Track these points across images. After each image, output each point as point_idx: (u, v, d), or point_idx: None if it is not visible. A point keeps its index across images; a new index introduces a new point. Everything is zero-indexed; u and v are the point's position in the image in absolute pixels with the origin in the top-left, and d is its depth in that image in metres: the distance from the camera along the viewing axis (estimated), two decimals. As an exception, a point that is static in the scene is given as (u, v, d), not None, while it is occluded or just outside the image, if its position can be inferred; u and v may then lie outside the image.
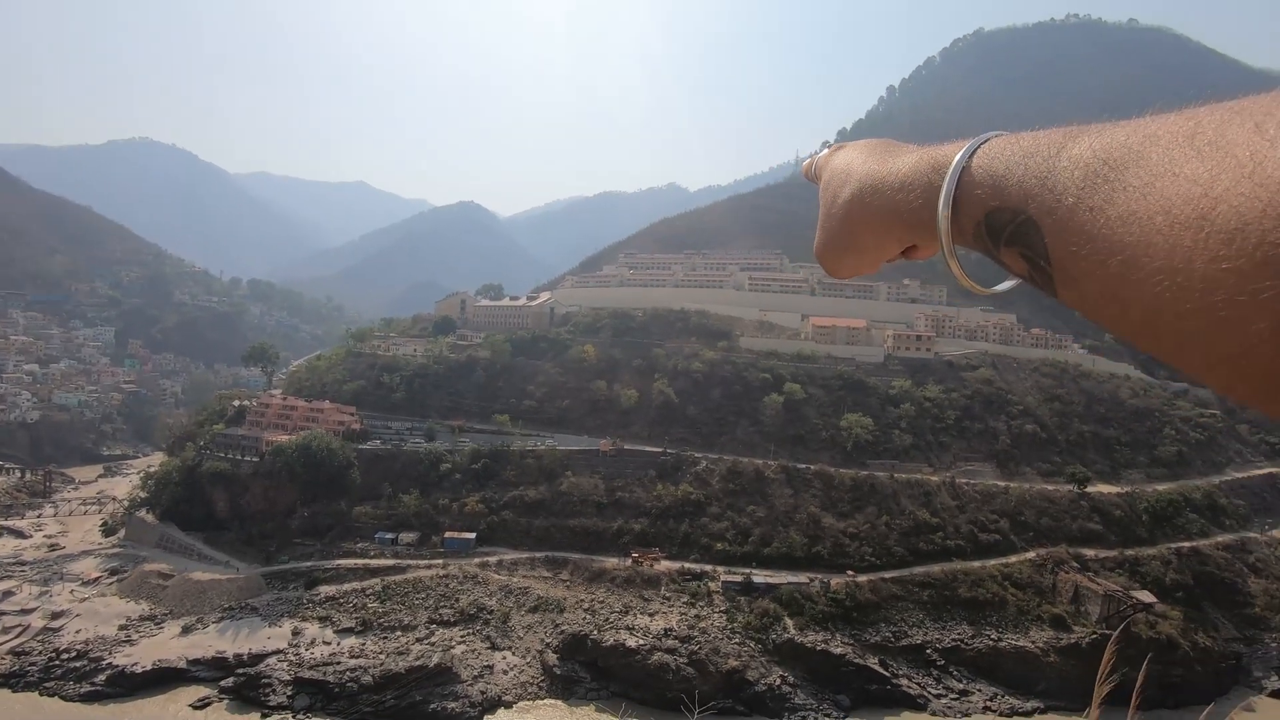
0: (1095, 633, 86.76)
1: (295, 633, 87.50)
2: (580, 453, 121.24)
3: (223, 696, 77.54)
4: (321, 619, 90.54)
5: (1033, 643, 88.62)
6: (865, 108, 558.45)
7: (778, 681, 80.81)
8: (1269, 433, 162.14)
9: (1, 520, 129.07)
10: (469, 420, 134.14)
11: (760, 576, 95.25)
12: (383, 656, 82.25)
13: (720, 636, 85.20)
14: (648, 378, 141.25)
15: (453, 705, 75.77)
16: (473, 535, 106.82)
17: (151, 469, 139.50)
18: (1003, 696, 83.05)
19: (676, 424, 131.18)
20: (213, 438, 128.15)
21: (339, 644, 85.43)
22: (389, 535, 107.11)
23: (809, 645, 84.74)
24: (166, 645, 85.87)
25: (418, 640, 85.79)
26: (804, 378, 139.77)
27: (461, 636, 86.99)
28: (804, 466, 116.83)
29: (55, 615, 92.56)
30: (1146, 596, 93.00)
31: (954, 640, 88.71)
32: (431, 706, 75.66)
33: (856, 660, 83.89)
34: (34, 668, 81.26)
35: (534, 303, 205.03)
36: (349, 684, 77.66)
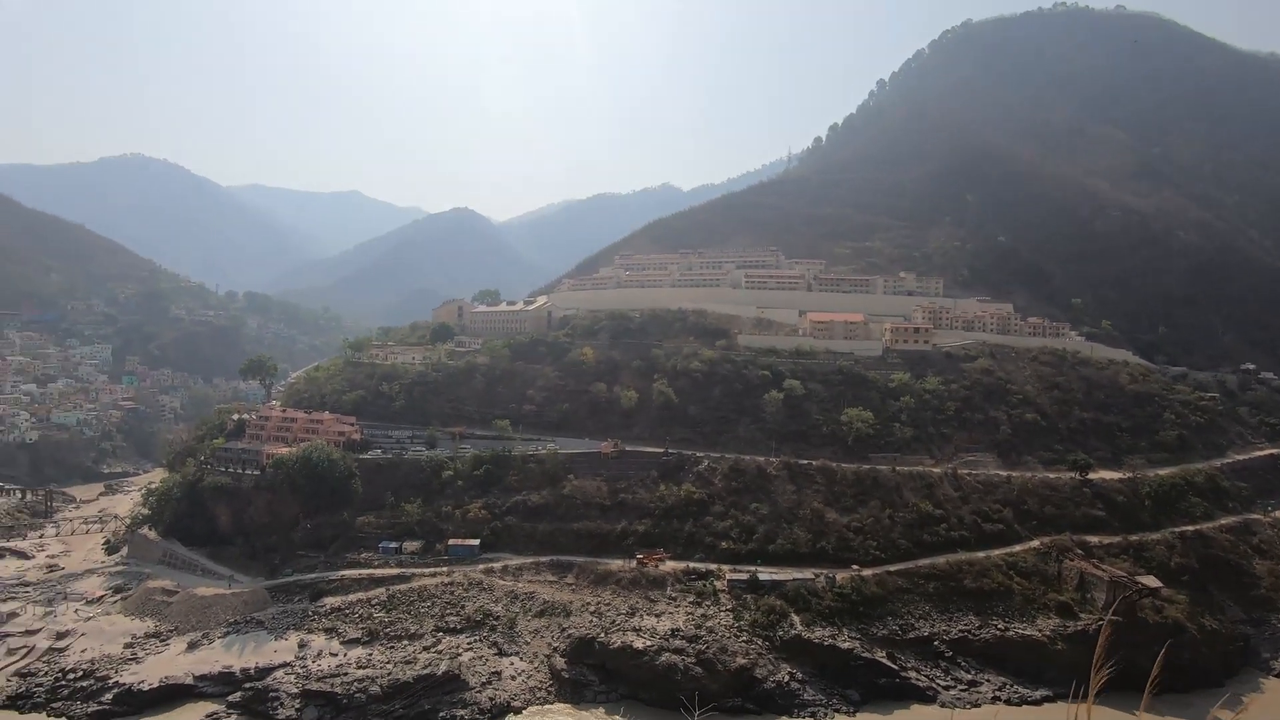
0: (1102, 619, 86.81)
1: (302, 645, 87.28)
2: (582, 455, 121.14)
3: (230, 712, 77.30)
4: (328, 630, 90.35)
5: (1040, 631, 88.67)
6: (856, 102, 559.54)
7: (786, 678, 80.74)
8: (1269, 414, 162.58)
9: (3, 541, 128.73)
10: (470, 426, 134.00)
11: (766, 573, 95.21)
12: (390, 666, 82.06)
13: (728, 635, 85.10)
14: (647, 378, 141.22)
15: (461, 713, 75.62)
16: (477, 542, 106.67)
17: (153, 485, 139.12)
18: (1011, 686, 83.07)
19: (678, 424, 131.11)
20: (213, 452, 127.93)
21: (346, 655, 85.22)
22: (393, 544, 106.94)
23: (817, 641, 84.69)
24: (173, 662, 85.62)
25: (425, 649, 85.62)
26: (804, 374, 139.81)
27: (469, 643, 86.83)
28: (806, 462, 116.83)
29: (60, 635, 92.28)
30: (1152, 581, 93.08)
31: (961, 631, 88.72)
32: (441, 715, 75.49)
33: (865, 654, 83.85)
34: (41, 689, 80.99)
35: (531, 307, 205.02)
36: (357, 695, 77.45)
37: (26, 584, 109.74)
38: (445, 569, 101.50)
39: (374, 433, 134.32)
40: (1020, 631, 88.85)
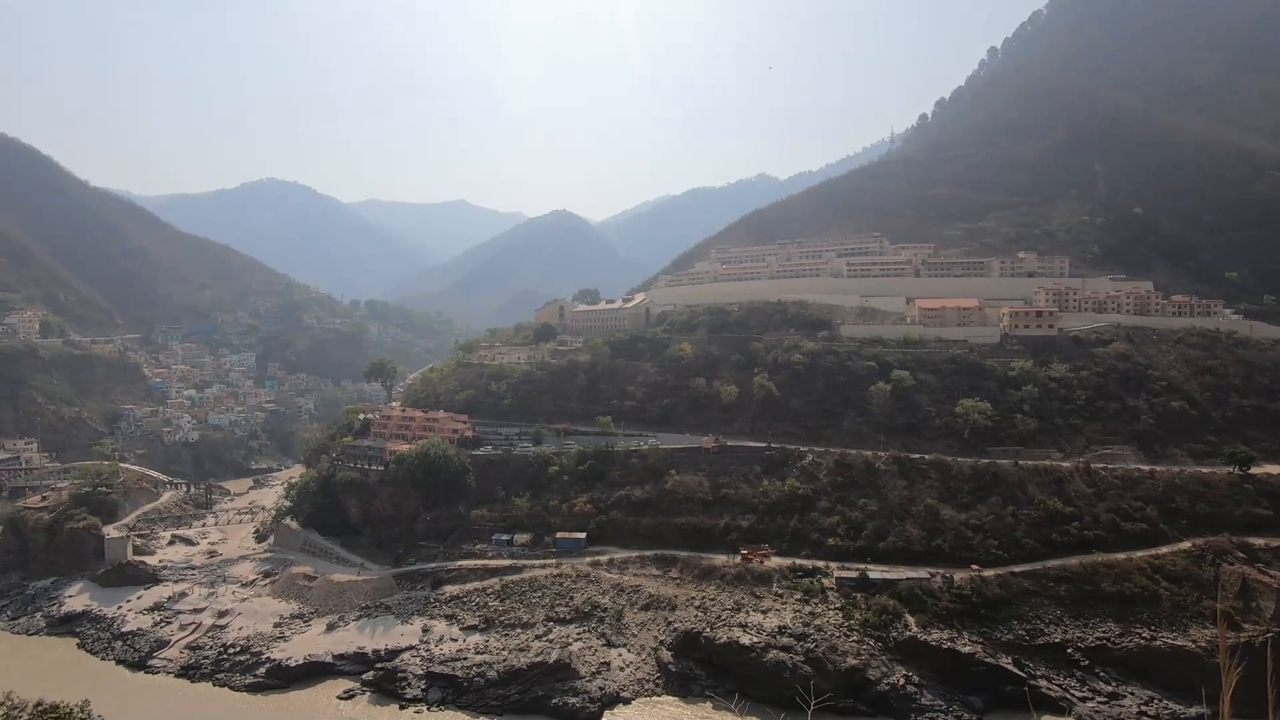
0: (1272, 631, 77.31)
1: (425, 630, 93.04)
2: (684, 451, 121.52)
3: (365, 689, 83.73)
4: (448, 617, 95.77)
5: (1193, 642, 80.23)
6: (965, 74, 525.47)
7: (901, 681, 77.54)
8: None
9: (174, 530, 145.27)
10: (574, 423, 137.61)
11: (876, 572, 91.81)
12: (505, 653, 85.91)
13: (837, 634, 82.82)
14: (747, 372, 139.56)
15: (573, 700, 77.96)
16: (583, 535, 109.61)
17: (293, 480, 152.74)
18: (1160, 701, 75.64)
19: (779, 418, 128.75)
20: (343, 449, 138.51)
21: (465, 640, 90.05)
22: (505, 536, 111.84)
23: (934, 643, 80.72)
24: (315, 641, 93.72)
25: (537, 637, 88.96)
26: (913, 364, 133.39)
27: (578, 634, 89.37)
28: (918, 456, 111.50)
29: (221, 614, 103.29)
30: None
31: (1099, 639, 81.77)
32: (553, 701, 78.19)
33: (988, 660, 79.09)
34: (207, 661, 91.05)
35: (629, 304, 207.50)
36: (476, 678, 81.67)
37: (193, 567, 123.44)
38: (554, 561, 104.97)
39: (484, 430, 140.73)
40: (1169, 641, 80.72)
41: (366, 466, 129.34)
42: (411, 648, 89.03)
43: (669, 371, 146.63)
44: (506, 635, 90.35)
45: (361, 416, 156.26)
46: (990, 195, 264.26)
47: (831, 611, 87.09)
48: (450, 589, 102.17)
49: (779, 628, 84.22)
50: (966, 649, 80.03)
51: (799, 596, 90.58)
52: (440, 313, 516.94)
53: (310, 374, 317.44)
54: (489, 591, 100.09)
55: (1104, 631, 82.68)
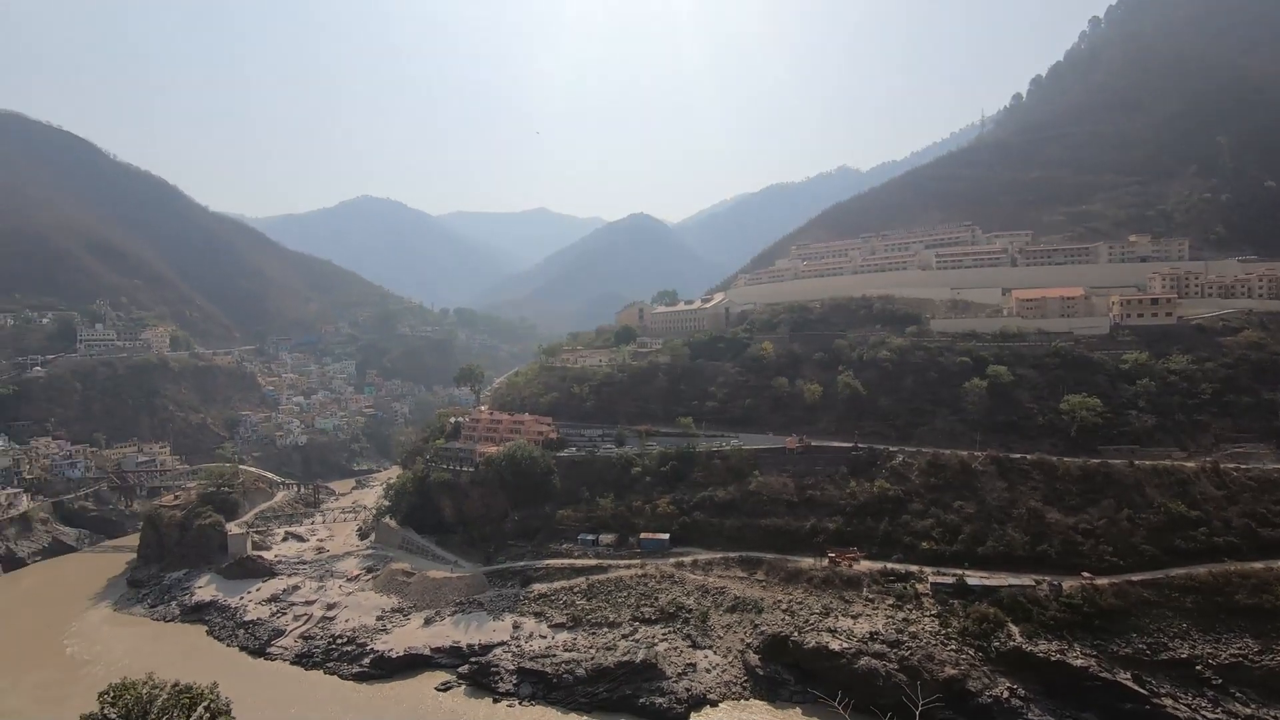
0: None
1: (515, 626, 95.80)
2: (767, 451, 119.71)
3: (460, 681, 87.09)
4: (537, 614, 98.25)
5: (1350, 663, 71.68)
6: (1063, 48, 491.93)
7: (1005, 694, 73.28)
8: None
9: (287, 527, 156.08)
10: (655, 424, 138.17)
11: (975, 578, 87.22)
12: (592, 651, 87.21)
13: (933, 642, 79.26)
14: (831, 370, 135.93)
15: (660, 701, 78.22)
16: (666, 536, 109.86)
17: (391, 480, 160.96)
18: (1310, 727, 68.03)
19: (866, 417, 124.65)
20: (436, 451, 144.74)
21: (553, 638, 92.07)
22: (590, 536, 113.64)
23: (1041, 655, 75.82)
24: (413, 634, 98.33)
25: (623, 637, 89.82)
26: (1011, 358, 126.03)
27: (664, 634, 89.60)
28: (1019, 456, 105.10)
29: (329, 606, 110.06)
30: None
31: (1234, 656, 74.43)
32: (641, 701, 78.71)
33: (1103, 674, 73.51)
34: (318, 650, 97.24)
35: (708, 304, 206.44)
36: (565, 675, 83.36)
37: (304, 562, 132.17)
38: (638, 561, 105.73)
39: (568, 431, 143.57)
40: (1319, 661, 72.45)
41: (458, 468, 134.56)
42: (503, 643, 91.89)
43: (750, 371, 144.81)
44: (593, 634, 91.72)
45: (452, 420, 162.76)
46: (1096, 175, 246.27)
47: (927, 618, 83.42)
48: (538, 587, 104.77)
49: (870, 634, 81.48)
50: (1079, 662, 74.74)
51: (891, 602, 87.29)
52: (524, 318, 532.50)
53: (405, 379, 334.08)
54: (576, 590, 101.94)
55: (1240, 648, 75.20)
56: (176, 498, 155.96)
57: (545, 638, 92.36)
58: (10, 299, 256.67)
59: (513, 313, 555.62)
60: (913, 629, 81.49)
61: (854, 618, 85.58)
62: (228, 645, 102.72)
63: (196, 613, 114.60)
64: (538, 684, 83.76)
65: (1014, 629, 79.20)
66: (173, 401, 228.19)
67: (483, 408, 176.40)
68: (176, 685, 44.56)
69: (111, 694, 43.08)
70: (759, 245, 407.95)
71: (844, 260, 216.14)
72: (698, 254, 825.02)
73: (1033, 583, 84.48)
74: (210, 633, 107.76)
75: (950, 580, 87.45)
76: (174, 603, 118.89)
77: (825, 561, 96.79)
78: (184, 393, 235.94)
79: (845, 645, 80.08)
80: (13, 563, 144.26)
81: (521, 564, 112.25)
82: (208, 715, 43.31)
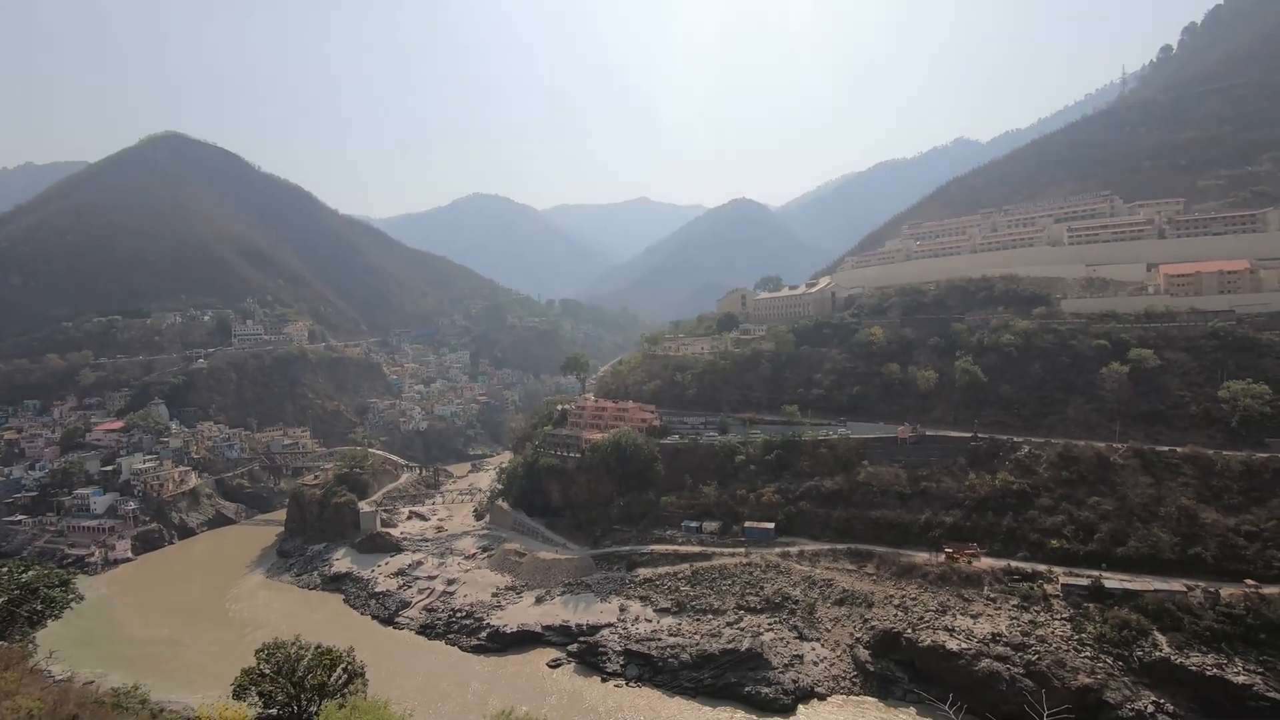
0: None
1: (622, 609, 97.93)
2: (876, 441, 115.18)
3: (570, 659, 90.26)
4: (642, 598, 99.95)
5: None
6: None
7: (1150, 708, 66.94)
8: None
9: (412, 507, 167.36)
10: (759, 412, 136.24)
11: (1114, 580, 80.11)
12: (697, 637, 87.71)
13: (1064, 648, 73.62)
14: (947, 356, 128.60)
15: (766, 690, 77.56)
16: (771, 525, 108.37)
17: (503, 465, 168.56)
18: None
19: (987, 405, 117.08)
20: (544, 438, 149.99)
21: (658, 622, 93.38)
22: (694, 524, 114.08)
23: (1194, 669, 68.60)
24: (526, 612, 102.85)
25: (728, 624, 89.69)
26: (1157, 340, 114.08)
27: (769, 624, 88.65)
28: (1167, 449, 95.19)
29: (450, 582, 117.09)
30: None
31: None
32: (746, 690, 78.37)
33: (1271, 694, 65.55)
34: (440, 622, 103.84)
35: (813, 289, 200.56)
36: (670, 659, 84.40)
37: (426, 540, 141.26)
38: (742, 550, 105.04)
39: (671, 419, 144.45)
40: None
41: (565, 454, 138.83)
42: (610, 625, 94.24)
43: (858, 357, 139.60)
44: (698, 620, 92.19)
45: (559, 407, 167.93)
46: (1265, 132, 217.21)
47: (1057, 622, 77.58)
48: (643, 571, 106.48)
49: (993, 635, 76.83)
50: (1240, 679, 66.99)
51: (1015, 602, 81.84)
52: (625, 308, 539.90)
53: (514, 368, 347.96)
54: (680, 576, 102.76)
55: None
56: (316, 477, 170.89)
57: (650, 621, 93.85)
58: (178, 300, 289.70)
59: (615, 303, 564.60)
60: (1040, 632, 76.08)
61: (974, 617, 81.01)
62: (361, 613, 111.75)
63: (334, 582, 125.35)
64: (644, 666, 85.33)
65: (1160, 638, 72.13)
66: (311, 389, 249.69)
67: (588, 395, 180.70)
68: (319, 647, 49.12)
69: (266, 652, 48.14)
70: (866, 227, 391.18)
71: (962, 239, 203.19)
72: (801, 238, 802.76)
73: (1184, 588, 76.53)
74: (346, 601, 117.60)
75: (1085, 582, 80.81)
76: (315, 573, 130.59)
77: (941, 557, 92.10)
78: (320, 381, 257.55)
79: (964, 645, 76.02)
80: (185, 532, 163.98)
81: (627, 548, 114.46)
82: (345, 676, 47.45)
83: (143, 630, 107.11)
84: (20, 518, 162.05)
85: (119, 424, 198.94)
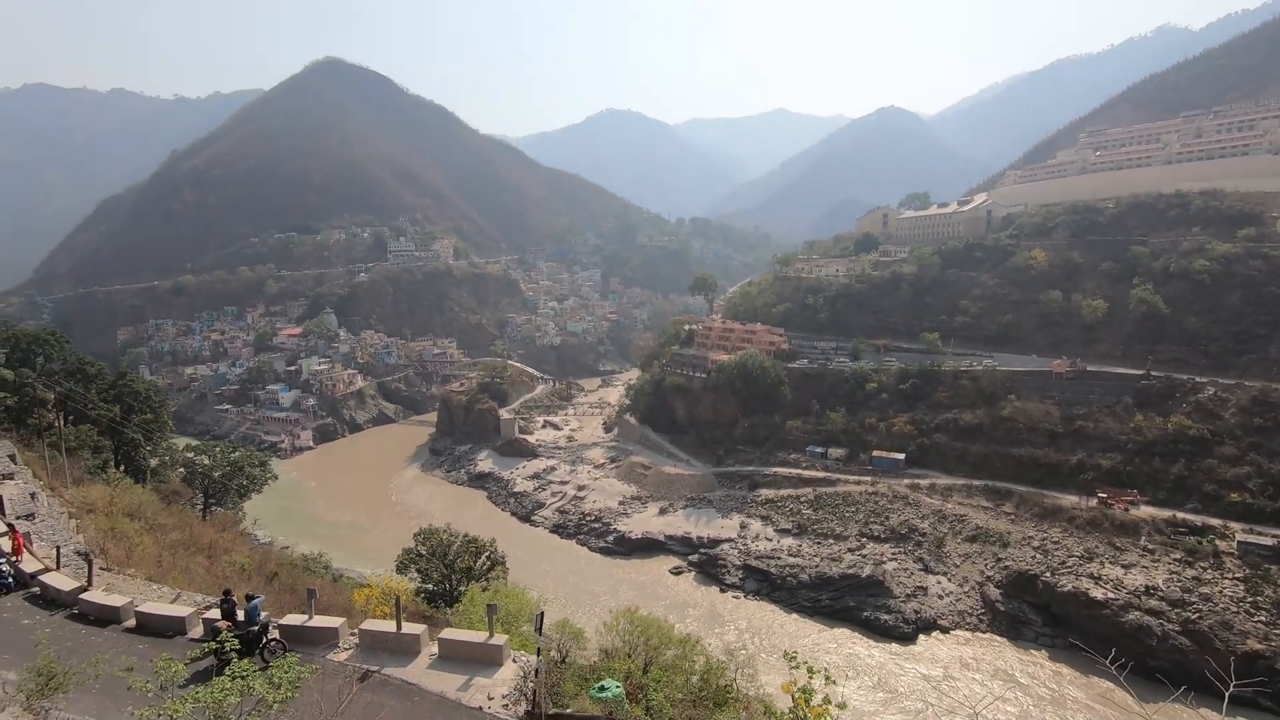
0: None
1: (742, 526, 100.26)
2: (1027, 374, 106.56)
3: (691, 568, 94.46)
4: (762, 518, 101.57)
5: None
6: None
7: (1334, 684, 59.91)
8: None
9: (545, 416, 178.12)
10: (895, 339, 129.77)
11: (1306, 543, 70.82)
12: (817, 560, 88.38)
13: (1233, 609, 66.91)
14: (1122, 284, 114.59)
15: (885, 617, 77.36)
16: (901, 456, 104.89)
17: (631, 382, 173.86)
18: None
19: (1165, 340, 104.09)
20: (671, 357, 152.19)
21: (778, 542, 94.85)
22: (819, 449, 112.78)
23: (1398, 648, 60.21)
24: (649, 521, 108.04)
25: (849, 550, 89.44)
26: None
27: (893, 554, 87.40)
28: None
29: (580, 488, 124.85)
30: None
31: None
32: (865, 615, 78.57)
33: None
34: (571, 523, 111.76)
35: (966, 208, 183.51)
36: (788, 578, 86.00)
37: (559, 448, 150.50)
38: (869, 479, 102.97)
39: (800, 343, 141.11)
40: None
41: (691, 373, 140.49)
42: (730, 540, 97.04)
43: (1012, 283, 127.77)
44: (818, 543, 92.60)
45: (686, 327, 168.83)
46: None
47: (1228, 581, 70.31)
48: (765, 492, 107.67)
49: (1146, 587, 71.19)
50: None
51: (1178, 556, 74.82)
52: (758, 226, 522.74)
53: (643, 288, 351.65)
54: (802, 499, 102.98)
55: None
56: (461, 385, 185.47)
57: (770, 540, 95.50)
58: (341, 218, 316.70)
59: (746, 221, 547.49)
60: (1205, 590, 69.45)
61: (1125, 567, 75.22)
62: (501, 510, 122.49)
63: (479, 480, 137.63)
64: (762, 581, 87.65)
65: (1359, 610, 63.54)
66: (456, 304, 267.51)
67: (715, 316, 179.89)
68: (467, 536, 54.63)
69: (422, 535, 54.30)
70: (1034, 137, 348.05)
71: (1154, 147, 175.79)
72: (956, 150, 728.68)
73: (1399, 559, 66.34)
74: (488, 497, 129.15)
75: (1269, 541, 72.15)
76: (462, 470, 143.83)
77: (1093, 501, 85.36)
78: (464, 296, 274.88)
79: (1111, 595, 71.16)
80: (354, 427, 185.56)
81: (749, 469, 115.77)
82: (488, 563, 52.67)
83: (329, 513, 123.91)
84: (227, 407, 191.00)
85: (298, 330, 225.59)
